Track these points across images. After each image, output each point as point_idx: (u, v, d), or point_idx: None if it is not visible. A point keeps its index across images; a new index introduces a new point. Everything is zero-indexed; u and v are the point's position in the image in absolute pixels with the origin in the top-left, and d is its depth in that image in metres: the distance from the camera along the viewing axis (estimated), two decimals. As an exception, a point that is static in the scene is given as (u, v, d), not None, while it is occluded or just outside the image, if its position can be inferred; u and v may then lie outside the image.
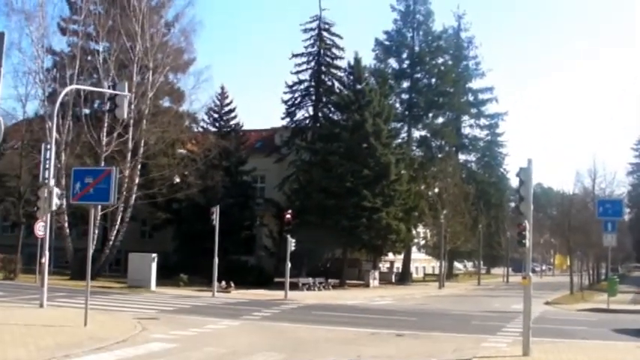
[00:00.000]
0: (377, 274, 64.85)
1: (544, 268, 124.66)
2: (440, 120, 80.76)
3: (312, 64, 68.40)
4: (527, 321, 19.07)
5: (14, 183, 54.25)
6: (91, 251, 24.33)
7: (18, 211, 53.38)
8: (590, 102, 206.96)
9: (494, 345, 21.61)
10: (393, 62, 79.19)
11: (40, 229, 36.74)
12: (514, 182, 63.09)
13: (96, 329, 20.99)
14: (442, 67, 79.72)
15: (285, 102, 68.32)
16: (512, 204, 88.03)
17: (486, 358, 18.63)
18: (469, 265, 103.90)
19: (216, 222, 43.18)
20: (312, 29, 68.35)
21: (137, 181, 53.08)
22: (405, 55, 78.89)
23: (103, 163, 47.61)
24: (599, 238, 48.19)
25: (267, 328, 25.49)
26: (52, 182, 28.96)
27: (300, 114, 68.83)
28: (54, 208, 29.55)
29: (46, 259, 29.91)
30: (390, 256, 69.68)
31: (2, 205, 59.45)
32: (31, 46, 51.48)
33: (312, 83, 68.46)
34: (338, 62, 68.45)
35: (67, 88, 41.61)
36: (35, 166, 43.74)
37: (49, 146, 29.99)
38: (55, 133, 33.51)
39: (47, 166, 29.15)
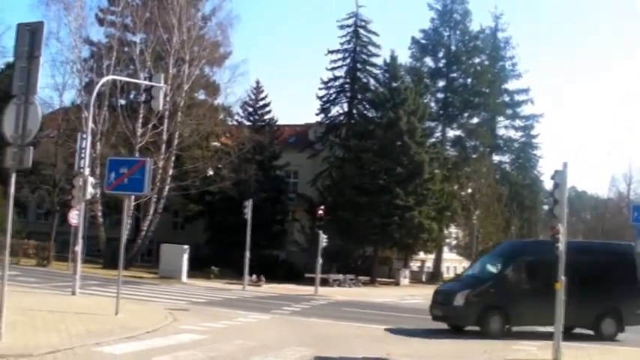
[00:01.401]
0: (407, 272, 64.74)
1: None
2: (475, 120, 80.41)
3: (348, 60, 68.44)
4: (559, 325, 18.91)
5: (50, 171, 54.69)
6: (124, 241, 24.44)
7: (52, 199, 53.84)
8: (628, 105, 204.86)
9: (524, 348, 21.45)
10: (429, 61, 79.05)
11: (74, 217, 37.01)
12: (548, 185, 62.92)
13: (127, 318, 21.08)
14: (478, 67, 79.38)
15: (320, 98, 68.43)
16: (546, 207, 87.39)
17: (516, 360, 18.52)
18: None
19: (248, 215, 43.27)
20: (348, 26, 68.41)
21: (171, 172, 53.33)
22: (441, 54, 78.68)
23: (137, 154, 47.84)
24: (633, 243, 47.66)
25: (296, 322, 25.50)
26: (87, 171, 29.17)
27: (334, 110, 68.99)
28: (88, 197, 29.77)
29: (79, 247, 30.15)
30: (421, 255, 69.52)
31: (37, 193, 59.94)
32: (69, 36, 51.95)
33: (348, 80, 68.48)
34: (374, 60, 68.50)
35: (104, 79, 41.90)
36: (70, 155, 44.10)
37: (84, 135, 30.17)
38: (91, 123, 33.71)
39: (82, 155, 29.32)
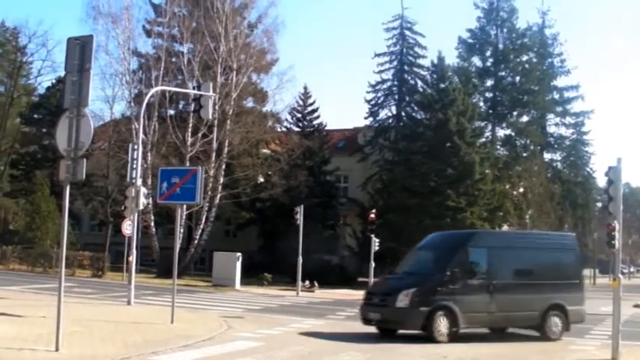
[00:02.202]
0: (463, 274, 64.28)
1: (632, 269, 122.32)
2: (524, 118, 79.64)
3: (395, 63, 68.37)
4: (617, 324, 18.70)
5: (102, 183, 55.31)
6: (177, 250, 24.59)
7: (106, 210, 54.38)
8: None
9: (582, 348, 21.26)
10: (476, 60, 78.45)
11: (128, 227, 37.34)
12: (601, 182, 62.26)
13: (182, 327, 21.20)
14: (526, 65, 78.64)
15: (368, 101, 68.43)
16: (599, 204, 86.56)
17: (575, 360, 18.33)
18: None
19: (300, 221, 43.35)
20: (394, 28, 68.37)
21: (221, 180, 53.58)
22: (488, 53, 78.12)
23: (188, 163, 48.16)
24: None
25: (351, 327, 25.47)
26: (139, 182, 29.42)
27: (383, 113, 68.93)
28: (141, 207, 30.06)
29: (133, 257, 30.39)
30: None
31: (90, 205, 60.58)
32: (118, 49, 52.54)
33: (395, 82, 68.39)
34: (421, 61, 68.43)
35: (153, 90, 42.21)
36: (122, 166, 44.56)
37: (135, 146, 30.41)
38: (141, 134, 34.09)
39: (134, 166, 29.57)
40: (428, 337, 21.27)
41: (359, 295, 43.36)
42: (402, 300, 21.52)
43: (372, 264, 44.96)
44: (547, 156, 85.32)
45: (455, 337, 21.40)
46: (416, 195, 56.05)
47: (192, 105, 36.32)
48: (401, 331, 22.46)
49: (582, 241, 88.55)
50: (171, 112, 54.00)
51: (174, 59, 53.70)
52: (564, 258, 24.86)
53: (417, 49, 68.55)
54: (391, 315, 21.92)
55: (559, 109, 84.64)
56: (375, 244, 45.71)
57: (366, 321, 22.99)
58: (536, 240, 26.55)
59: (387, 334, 22.48)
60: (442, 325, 21.36)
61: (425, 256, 24.41)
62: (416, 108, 66.52)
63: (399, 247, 59.25)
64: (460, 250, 22.90)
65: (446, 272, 21.94)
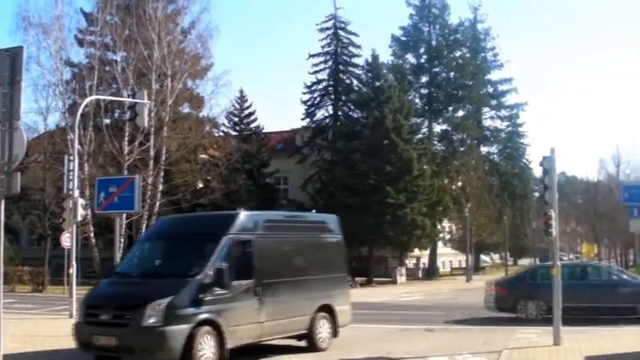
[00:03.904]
0: (404, 270, 64.82)
1: (572, 257, 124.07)
2: (460, 113, 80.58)
3: (330, 63, 68.52)
4: (558, 311, 18.96)
5: (39, 196, 54.51)
6: (117, 260, 24.40)
7: (44, 223, 53.64)
8: (612, 88, 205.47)
9: (524, 336, 21.51)
10: (410, 57, 79.27)
11: (67, 240, 36.92)
12: (537, 172, 62.98)
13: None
14: (460, 60, 79.58)
15: (305, 102, 68.51)
16: (537, 194, 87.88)
17: (517, 349, 18.54)
18: (496, 257, 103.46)
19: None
20: (328, 28, 68.50)
21: (160, 188, 53.24)
22: (422, 50, 78.90)
23: (126, 172, 47.68)
24: (626, 224, 47.87)
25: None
26: (76, 193, 29.05)
27: (319, 114, 69.03)
28: (79, 218, 29.66)
29: (73, 270, 30.02)
30: (416, 251, 69.68)
31: (28, 219, 59.66)
32: (50, 59, 51.82)
33: (331, 82, 68.56)
34: (355, 60, 68.66)
35: (87, 99, 41.73)
36: (59, 178, 43.94)
37: (71, 158, 30.07)
38: (77, 145, 33.64)
39: (71, 177, 29.23)
40: None
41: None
42: (152, 315, 15.12)
43: (315, 264, 45.01)
44: (484, 149, 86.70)
45: None
46: (356, 194, 56.40)
47: (128, 113, 36.01)
48: None
49: (521, 231, 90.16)
50: (107, 121, 53.40)
51: (107, 68, 53.22)
52: (330, 247, 21.21)
53: (351, 48, 68.82)
54: (135, 339, 15.14)
55: (494, 102, 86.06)
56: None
57: (89, 348, 15.98)
58: (303, 224, 20.99)
59: None
60: (207, 347, 15.68)
61: (171, 249, 18.15)
62: (352, 107, 66.89)
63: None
64: (223, 239, 16.80)
65: (208, 272, 16.00)
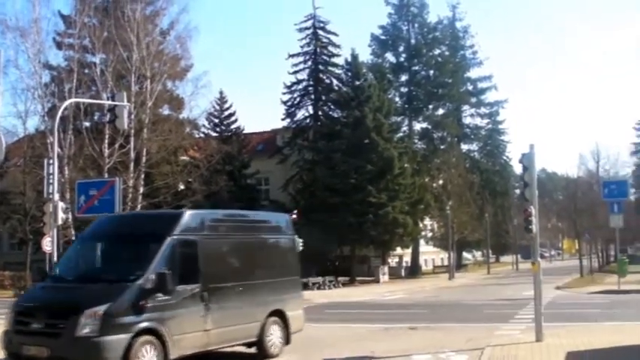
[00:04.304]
0: (386, 269, 64.89)
1: (553, 253, 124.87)
2: (440, 111, 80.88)
3: (310, 63, 68.49)
4: (539, 307, 19.04)
5: (19, 200, 54.30)
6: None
7: (24, 227, 53.40)
8: (591, 84, 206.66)
9: (507, 333, 21.60)
10: (390, 56, 79.45)
11: (48, 244, 36.67)
12: (518, 169, 63.26)
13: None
14: (439, 59, 79.87)
15: (285, 103, 68.43)
16: (518, 191, 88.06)
17: (500, 346, 18.59)
18: (478, 254, 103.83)
19: (223, 226, 43.02)
20: (307, 28, 68.45)
21: (141, 190, 53.01)
22: (401, 49, 79.07)
23: (106, 175, 47.51)
24: (606, 219, 48.22)
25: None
26: (56, 197, 28.96)
27: (300, 114, 68.97)
28: (60, 222, 29.54)
29: (55, 274, 29.89)
30: (399, 250, 69.78)
31: (9, 224, 59.40)
32: (28, 63, 51.51)
33: (311, 82, 68.52)
34: (335, 60, 68.63)
35: (66, 102, 41.55)
36: (39, 182, 43.77)
37: (51, 161, 30.00)
38: (56, 148, 33.49)
39: (51, 181, 29.16)
40: None
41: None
42: (88, 324, 14.01)
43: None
44: (464, 147, 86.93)
45: None
46: (337, 193, 56.44)
47: (108, 116, 35.88)
48: None
49: (503, 228, 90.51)
50: (87, 124, 53.20)
51: (86, 70, 52.92)
52: (283, 248, 20.28)
53: (330, 48, 68.77)
54: (69, 350, 14.01)
55: (473, 100, 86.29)
56: (299, 244, 45.74)
57: (19, 358, 14.81)
58: (253, 224, 19.78)
59: None
60: (148, 358, 14.66)
61: (110, 251, 17.08)
62: (332, 107, 66.89)
63: (324, 246, 59.99)
64: (166, 241, 15.69)
65: (149, 276, 14.92)
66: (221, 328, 16.42)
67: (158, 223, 17.30)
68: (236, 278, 17.30)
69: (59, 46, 56.05)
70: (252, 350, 18.15)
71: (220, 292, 16.49)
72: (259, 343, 17.85)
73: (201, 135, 63.89)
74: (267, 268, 18.64)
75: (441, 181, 75.20)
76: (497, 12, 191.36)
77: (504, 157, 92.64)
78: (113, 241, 16.93)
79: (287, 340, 18.69)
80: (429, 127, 79.98)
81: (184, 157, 59.59)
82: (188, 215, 16.85)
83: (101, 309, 14.00)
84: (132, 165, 51.77)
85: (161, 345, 14.77)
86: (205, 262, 16.37)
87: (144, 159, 52.89)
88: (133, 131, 50.95)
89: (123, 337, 14.09)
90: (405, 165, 61.53)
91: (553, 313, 24.68)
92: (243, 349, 18.16)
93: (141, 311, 14.54)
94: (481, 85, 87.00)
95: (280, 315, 18.49)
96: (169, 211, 20.40)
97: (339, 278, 56.65)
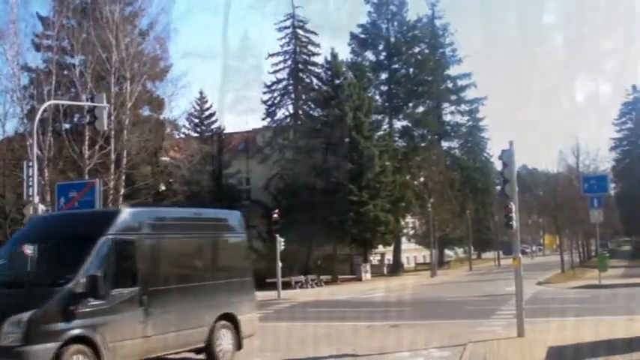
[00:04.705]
0: (368, 267, 64.84)
1: (534, 248, 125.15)
2: (420, 109, 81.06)
3: (289, 62, 68.46)
4: (520, 302, 19.18)
5: (-1, 203, 54.01)
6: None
7: (4, 230, 53.01)
8: (569, 79, 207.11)
9: (489, 328, 21.70)
10: (369, 55, 79.50)
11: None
12: (499, 166, 63.52)
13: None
14: (419, 57, 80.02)
15: (265, 102, 68.34)
16: (499, 187, 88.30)
17: (482, 341, 18.69)
18: (460, 251, 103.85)
19: (203, 227, 42.91)
20: (286, 27, 68.42)
21: (122, 191, 52.79)
22: (381, 47, 79.20)
23: (86, 177, 47.32)
24: (587, 214, 48.47)
25: (261, 328, 25.47)
26: (36, 199, 28.86)
27: (280, 113, 68.88)
28: (40, 224, 29.43)
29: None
30: (380, 248, 69.73)
31: (-12, 226, 59.12)
32: (6, 65, 51.11)
33: (291, 81, 68.49)
34: (315, 59, 68.64)
35: (45, 104, 41.44)
36: (19, 185, 43.43)
37: (31, 163, 29.88)
38: (36, 150, 33.42)
39: (30, 183, 29.03)
40: None
41: (268, 295, 43.47)
42: (11, 332, 13.06)
43: (279, 264, 45.06)
44: (445, 144, 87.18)
45: None
46: (318, 192, 56.61)
47: (87, 117, 35.79)
48: None
49: (485, 225, 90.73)
50: (67, 125, 52.88)
51: (66, 72, 52.61)
52: (233, 247, 19.45)
53: (310, 47, 68.79)
54: None
55: (453, 97, 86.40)
56: (281, 243, 45.86)
57: None
58: (200, 222, 18.71)
59: None
60: None
61: (40, 253, 16.51)
62: (312, 105, 66.93)
63: (306, 245, 60.07)
64: (100, 241, 14.76)
65: (80, 280, 14.00)
66: (164, 334, 15.62)
67: (92, 222, 16.41)
68: (180, 280, 16.47)
69: (38, 47, 55.74)
70: (202, 357, 17.44)
71: (162, 296, 15.62)
72: (208, 349, 17.01)
73: (182, 135, 63.74)
74: (216, 269, 18.03)
75: (422, 179, 75.30)
76: (475, 9, 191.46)
77: (485, 154, 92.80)
78: (45, 242, 16.18)
79: (239, 345, 17.92)
80: (410, 124, 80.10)
81: (165, 158, 59.43)
82: (126, 213, 16.05)
83: (25, 316, 13.10)
84: (112, 166, 51.58)
85: (94, 354, 13.87)
86: (145, 263, 15.62)
87: (124, 160, 52.68)
88: (113, 132, 50.73)
89: (50, 346, 13.16)
90: (386, 163, 61.64)
91: (534, 309, 24.81)
92: (192, 355, 17.50)
93: (71, 318, 13.65)
94: (461, 82, 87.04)
95: (231, 319, 17.69)
96: (106, 209, 20.61)
97: (322, 277, 56.69)
